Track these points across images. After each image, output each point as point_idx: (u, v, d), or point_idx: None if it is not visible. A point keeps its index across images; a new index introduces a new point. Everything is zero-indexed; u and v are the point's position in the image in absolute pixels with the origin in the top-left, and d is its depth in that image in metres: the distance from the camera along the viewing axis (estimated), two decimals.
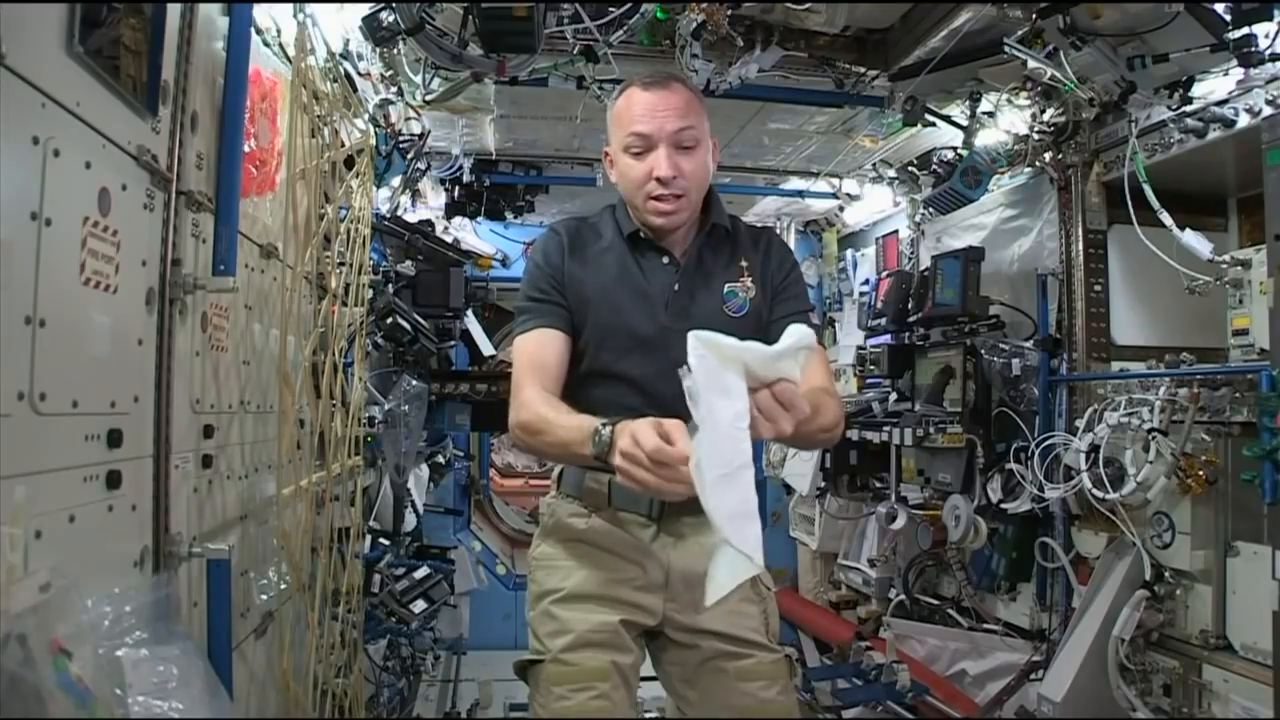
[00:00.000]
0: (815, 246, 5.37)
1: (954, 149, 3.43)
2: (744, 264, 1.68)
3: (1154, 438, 2.58)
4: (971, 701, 3.36)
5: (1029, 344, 3.32)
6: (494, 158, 4.09)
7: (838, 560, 4.64)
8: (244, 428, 1.90)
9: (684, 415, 1.27)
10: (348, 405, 2.48)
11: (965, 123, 3.19)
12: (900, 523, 3.64)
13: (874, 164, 4.10)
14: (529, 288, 1.66)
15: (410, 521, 3.66)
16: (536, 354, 1.59)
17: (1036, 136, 3.13)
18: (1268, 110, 2.36)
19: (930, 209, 3.61)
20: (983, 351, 3.33)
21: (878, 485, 4.08)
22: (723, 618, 1.60)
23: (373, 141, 2.80)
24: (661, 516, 1.62)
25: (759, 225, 1.83)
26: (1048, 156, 3.21)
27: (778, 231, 5.27)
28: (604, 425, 1.34)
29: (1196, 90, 2.58)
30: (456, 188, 4.34)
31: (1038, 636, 3.24)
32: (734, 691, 1.56)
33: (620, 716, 1.54)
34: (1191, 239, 2.60)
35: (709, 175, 1.64)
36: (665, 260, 1.66)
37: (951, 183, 3.20)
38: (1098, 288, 3.14)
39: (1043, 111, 3.07)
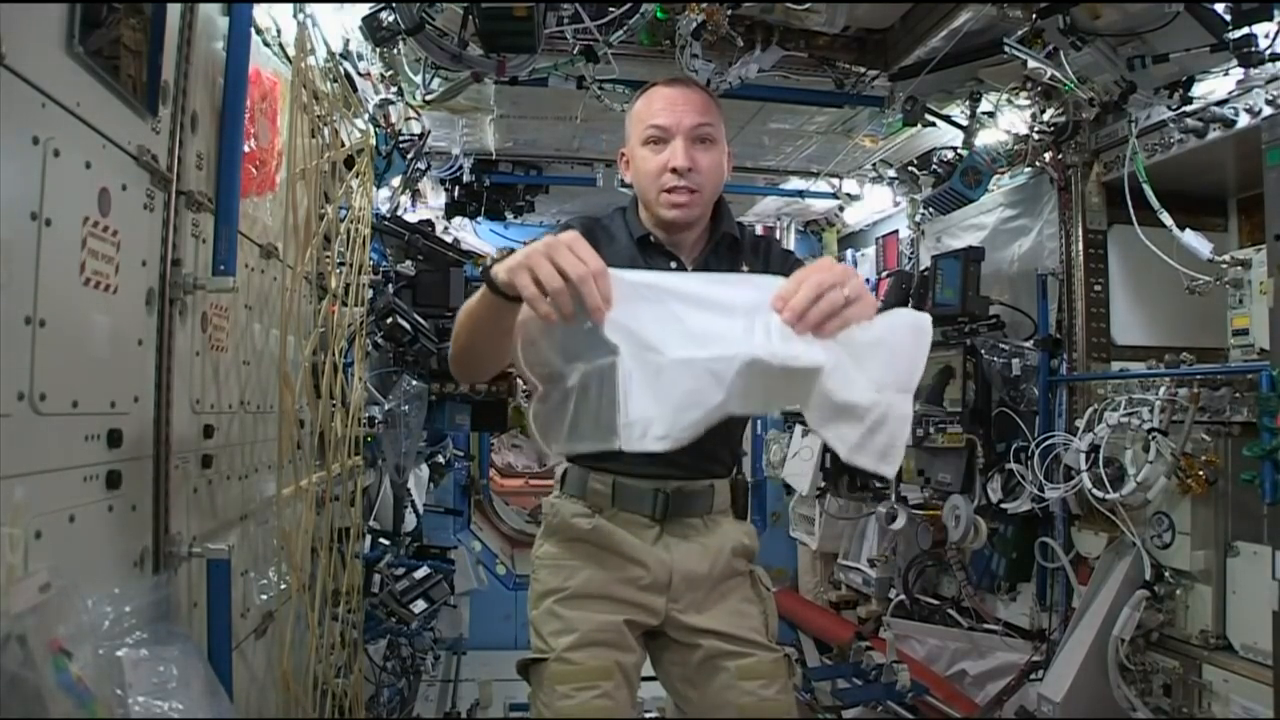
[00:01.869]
0: (815, 246, 5.37)
1: (954, 149, 3.43)
2: (745, 270, 1.68)
3: (1154, 438, 2.58)
4: (971, 701, 3.36)
5: (1029, 344, 3.32)
6: (494, 158, 4.09)
7: (838, 560, 4.64)
8: (244, 428, 1.90)
9: None
10: (348, 405, 2.47)
11: (965, 123, 3.19)
12: (900, 523, 3.64)
13: (874, 164, 4.10)
14: None
15: (410, 521, 3.66)
16: None
17: (1036, 136, 3.13)
18: (1268, 110, 2.36)
19: (930, 209, 3.61)
20: (983, 351, 3.33)
21: (878, 485, 4.07)
22: (723, 618, 1.62)
23: (373, 141, 2.79)
24: (665, 517, 1.63)
25: (760, 235, 1.82)
26: (1048, 156, 3.21)
27: (778, 231, 5.29)
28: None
29: (1196, 90, 2.58)
30: (456, 188, 4.34)
31: (1038, 636, 3.24)
32: (734, 690, 1.57)
33: (622, 715, 1.54)
34: (1191, 239, 2.60)
35: (723, 178, 1.65)
36: (674, 265, 1.65)
37: (951, 183, 3.21)
38: (1098, 288, 3.15)
39: (1043, 111, 3.07)
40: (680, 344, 1.14)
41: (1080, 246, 3.15)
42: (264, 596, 1.99)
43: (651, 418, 1.15)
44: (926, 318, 1.20)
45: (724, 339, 1.15)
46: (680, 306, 1.17)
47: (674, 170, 1.55)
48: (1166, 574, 2.68)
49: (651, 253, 1.66)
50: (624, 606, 1.60)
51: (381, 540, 3.27)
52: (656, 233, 1.65)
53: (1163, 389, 2.65)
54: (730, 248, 1.70)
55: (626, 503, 1.63)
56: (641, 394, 1.14)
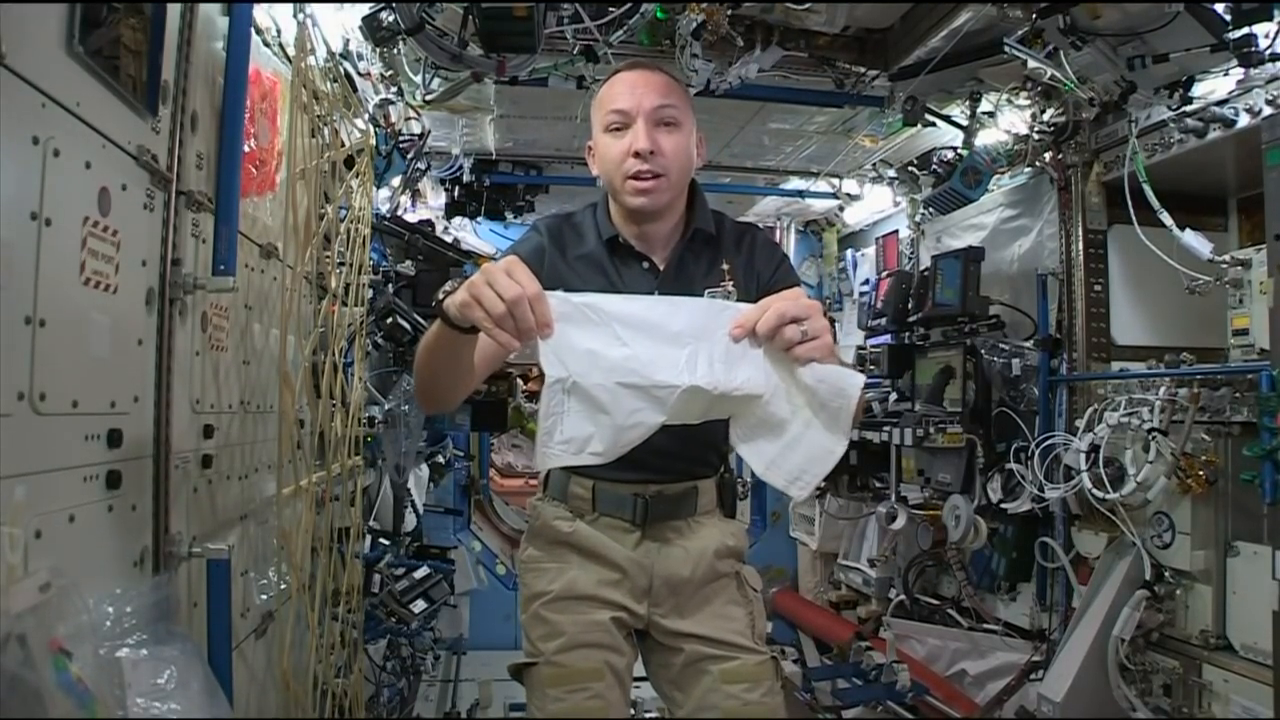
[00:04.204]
0: (815, 246, 5.37)
1: (954, 149, 3.43)
2: (725, 267, 1.62)
3: (1154, 438, 2.58)
4: (971, 701, 3.36)
5: (1029, 344, 3.32)
6: (494, 158, 4.10)
7: (838, 560, 4.64)
8: (244, 428, 1.90)
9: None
10: (348, 405, 2.47)
11: (965, 123, 3.19)
12: (900, 523, 3.64)
13: (874, 164, 4.10)
14: None
15: (410, 521, 3.66)
16: None
17: (1036, 136, 3.13)
18: (1268, 110, 2.36)
19: (930, 209, 3.61)
20: (983, 351, 3.33)
21: (878, 485, 4.08)
22: (706, 621, 1.60)
23: (373, 141, 2.79)
24: (645, 522, 1.61)
25: (744, 222, 1.77)
26: (1048, 156, 3.22)
27: (777, 232, 5.28)
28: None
29: (1196, 90, 2.58)
30: (456, 188, 4.34)
31: (1038, 636, 3.24)
32: (718, 693, 1.55)
33: (615, 714, 1.54)
34: (1191, 239, 2.60)
35: (692, 163, 1.59)
36: (645, 266, 1.61)
37: (951, 183, 3.21)
38: (1098, 288, 3.15)
39: (1043, 111, 3.08)
40: (624, 370, 1.18)
41: (1080, 246, 3.15)
42: (264, 596, 1.98)
43: (589, 434, 1.19)
44: (859, 381, 1.23)
45: (667, 367, 1.18)
46: (624, 330, 1.19)
47: (636, 154, 1.49)
48: (1166, 574, 2.69)
49: (621, 254, 1.61)
50: (608, 606, 1.59)
51: (381, 540, 3.27)
52: (626, 230, 1.60)
53: (1163, 389, 2.65)
54: (707, 243, 1.64)
55: (606, 507, 1.61)
56: (578, 415, 1.19)
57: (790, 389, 1.23)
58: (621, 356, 1.18)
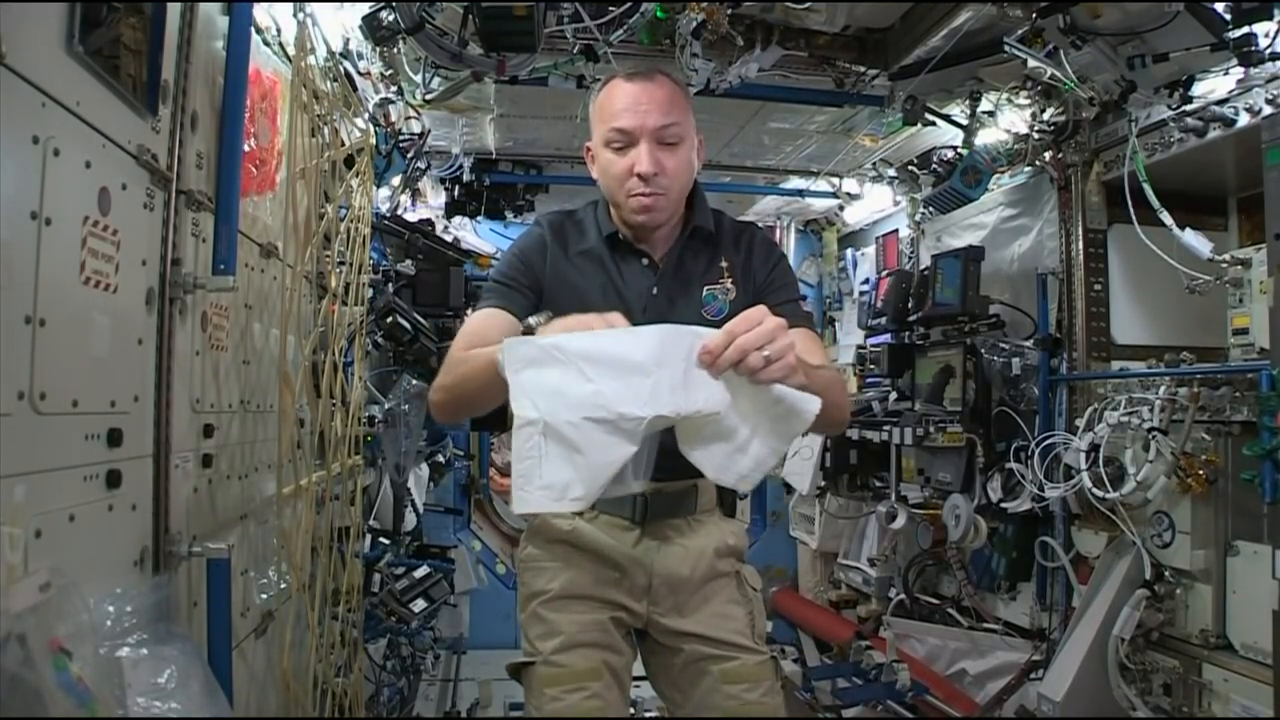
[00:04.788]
0: (815, 245, 5.37)
1: (954, 148, 3.43)
2: (724, 265, 1.63)
3: (1154, 437, 2.58)
4: (971, 701, 3.36)
5: (1029, 343, 3.32)
6: (494, 157, 4.10)
7: (838, 559, 4.64)
8: (244, 427, 1.90)
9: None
10: (348, 405, 2.47)
11: (965, 122, 3.19)
12: (900, 522, 3.64)
13: (874, 163, 4.10)
14: (498, 273, 1.63)
15: (410, 521, 3.66)
16: (479, 329, 1.52)
17: (1036, 136, 3.13)
18: (1268, 109, 2.36)
19: (930, 208, 3.61)
20: (983, 351, 3.34)
21: (878, 484, 4.07)
22: (706, 620, 1.60)
23: (373, 141, 2.79)
24: (645, 520, 1.60)
25: (743, 221, 1.77)
26: (1048, 156, 3.21)
27: (777, 231, 5.27)
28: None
29: (1196, 89, 2.58)
30: (456, 187, 4.35)
31: (1038, 636, 3.24)
32: (717, 694, 1.55)
33: (613, 715, 1.53)
34: (1191, 238, 2.60)
35: (693, 173, 1.59)
36: (645, 263, 1.61)
37: (951, 182, 3.21)
38: (1098, 287, 3.15)
39: (1043, 111, 3.08)
40: (591, 406, 1.19)
41: (1080, 246, 3.15)
42: (264, 596, 1.99)
43: (569, 480, 1.20)
44: (814, 407, 1.27)
45: (631, 398, 1.20)
46: (589, 367, 1.21)
47: (640, 176, 1.50)
48: (1166, 573, 2.68)
49: (621, 250, 1.62)
50: (607, 606, 1.58)
51: (381, 540, 3.27)
52: (626, 231, 1.61)
53: (1163, 388, 2.65)
54: (705, 241, 1.65)
55: (606, 505, 1.59)
56: (556, 458, 1.20)
57: (742, 401, 1.26)
58: (587, 393, 1.19)
